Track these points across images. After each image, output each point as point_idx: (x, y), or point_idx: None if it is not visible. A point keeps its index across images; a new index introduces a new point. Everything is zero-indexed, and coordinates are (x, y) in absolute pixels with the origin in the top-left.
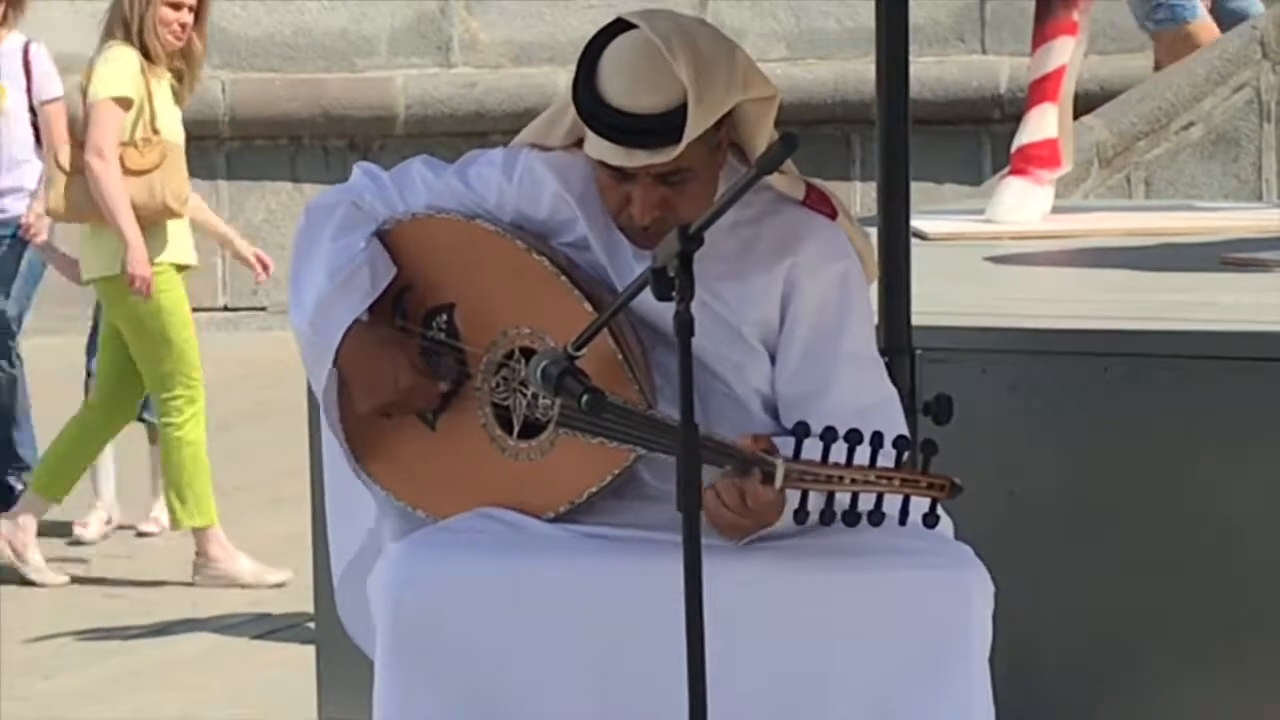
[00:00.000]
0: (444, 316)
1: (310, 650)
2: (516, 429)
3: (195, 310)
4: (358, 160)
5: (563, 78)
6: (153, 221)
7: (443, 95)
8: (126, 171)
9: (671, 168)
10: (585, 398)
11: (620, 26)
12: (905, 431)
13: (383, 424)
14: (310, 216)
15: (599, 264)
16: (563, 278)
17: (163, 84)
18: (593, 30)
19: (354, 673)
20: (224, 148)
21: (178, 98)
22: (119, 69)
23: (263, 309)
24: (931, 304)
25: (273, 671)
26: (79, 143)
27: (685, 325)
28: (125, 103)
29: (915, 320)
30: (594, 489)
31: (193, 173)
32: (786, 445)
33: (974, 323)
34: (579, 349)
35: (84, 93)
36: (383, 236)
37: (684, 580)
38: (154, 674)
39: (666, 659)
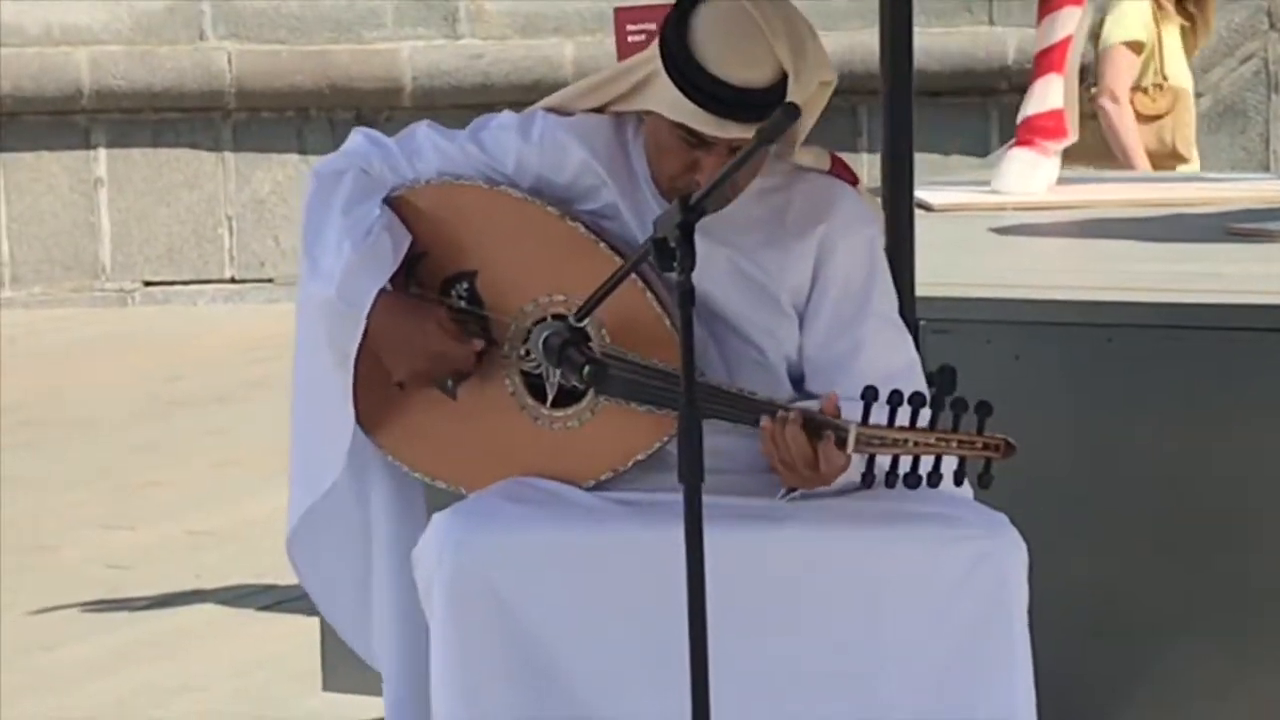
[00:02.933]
0: (464, 284)
1: (315, 622)
2: (550, 397)
3: (201, 282)
4: None
5: (569, 49)
6: (1160, 167)
7: (449, 66)
8: (1137, 117)
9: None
10: (587, 369)
11: None
12: (927, 393)
13: (395, 396)
14: (319, 182)
15: (629, 230)
16: (601, 244)
17: (1172, 30)
18: (599, 3)
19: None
20: (230, 119)
21: (1187, 45)
22: (1132, 14)
23: (269, 281)
24: (936, 275)
25: (278, 643)
26: (1089, 87)
27: (686, 295)
28: (1137, 47)
29: (919, 291)
30: (640, 456)
31: (199, 144)
32: (853, 409)
33: (978, 293)
34: (581, 319)
35: (1095, 38)
36: (394, 204)
37: (686, 553)
38: (158, 645)
39: (719, 624)
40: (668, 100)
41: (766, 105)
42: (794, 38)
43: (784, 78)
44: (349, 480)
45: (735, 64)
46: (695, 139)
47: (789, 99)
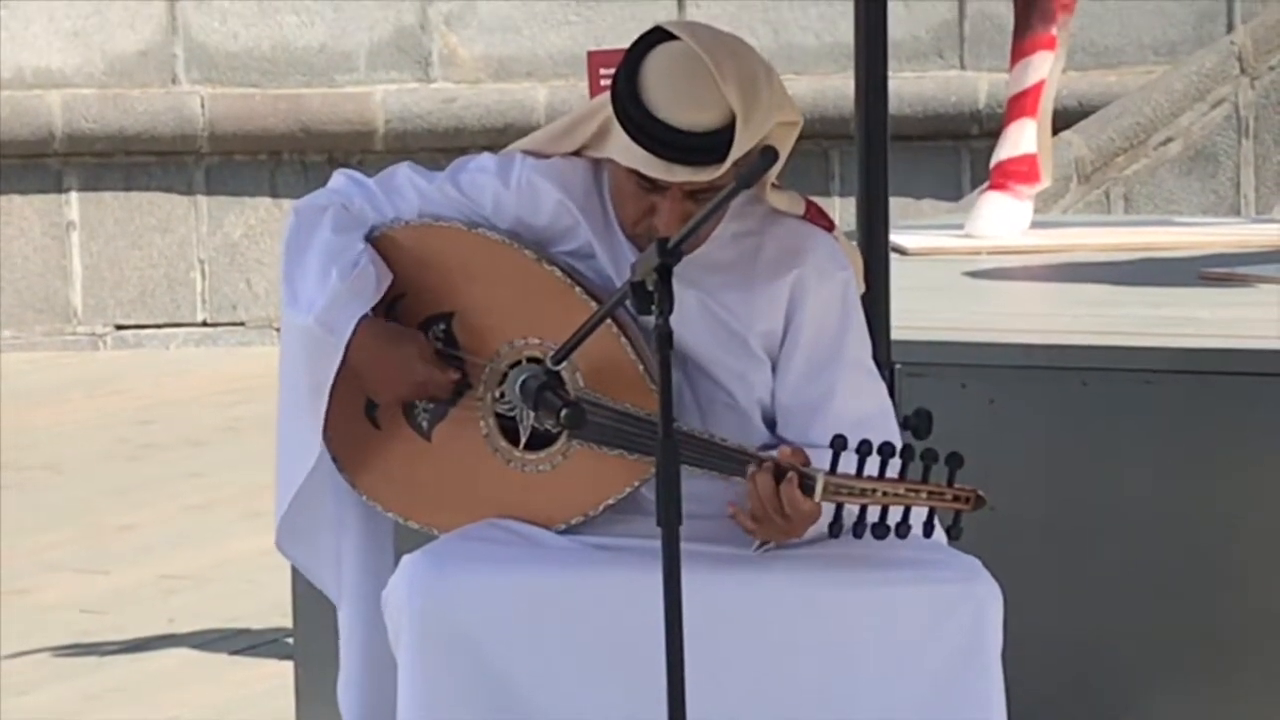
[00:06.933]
0: (441, 326)
1: (289, 666)
2: (524, 440)
3: (173, 326)
4: None
5: (542, 93)
6: None
7: (422, 110)
8: None
9: (704, 185)
10: (564, 412)
11: (660, 35)
12: (899, 441)
13: (370, 436)
14: (300, 216)
15: (604, 272)
16: (576, 288)
17: None
18: (572, 46)
19: (333, 688)
20: (203, 163)
21: None
22: None
23: (241, 324)
24: (910, 318)
25: (251, 688)
26: None
27: (665, 338)
28: None
29: (894, 335)
30: (610, 500)
31: (171, 188)
32: (821, 458)
33: (953, 337)
34: (558, 362)
35: None
36: (374, 243)
37: (663, 594)
38: (130, 690)
39: (692, 668)
40: (620, 145)
41: (715, 149)
42: (745, 80)
43: (734, 121)
44: (330, 499)
45: (681, 107)
46: (649, 183)
47: (736, 143)
